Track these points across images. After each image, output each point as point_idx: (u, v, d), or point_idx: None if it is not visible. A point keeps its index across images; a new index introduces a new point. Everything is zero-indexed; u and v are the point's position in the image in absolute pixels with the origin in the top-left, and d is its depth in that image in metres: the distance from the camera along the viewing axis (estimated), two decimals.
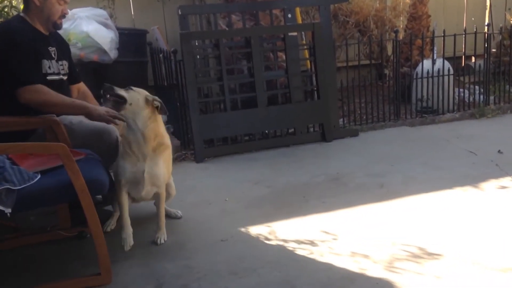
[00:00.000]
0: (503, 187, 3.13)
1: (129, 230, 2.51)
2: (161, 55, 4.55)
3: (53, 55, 2.74)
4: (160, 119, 2.51)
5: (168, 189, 2.72)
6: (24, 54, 2.57)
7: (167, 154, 2.57)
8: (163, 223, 2.64)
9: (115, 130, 2.73)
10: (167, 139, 2.56)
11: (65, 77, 2.83)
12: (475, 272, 2.16)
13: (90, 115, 2.56)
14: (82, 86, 3.02)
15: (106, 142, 2.67)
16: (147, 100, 2.43)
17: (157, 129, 2.47)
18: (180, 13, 4.25)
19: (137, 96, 2.42)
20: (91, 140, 2.64)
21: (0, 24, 2.75)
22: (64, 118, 2.63)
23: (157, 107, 2.46)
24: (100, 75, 4.29)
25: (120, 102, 2.39)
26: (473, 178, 3.28)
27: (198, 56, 4.38)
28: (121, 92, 2.40)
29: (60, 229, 2.63)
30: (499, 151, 3.80)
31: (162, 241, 2.59)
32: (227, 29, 4.61)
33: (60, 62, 2.79)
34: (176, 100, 4.25)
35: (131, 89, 2.46)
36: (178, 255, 2.45)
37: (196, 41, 4.31)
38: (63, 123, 2.55)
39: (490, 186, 3.15)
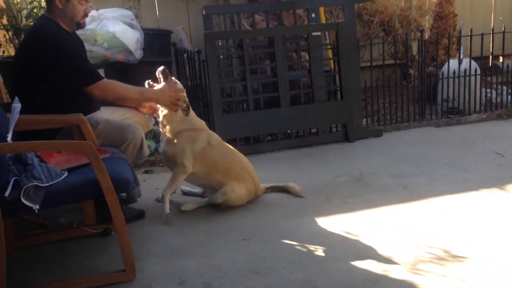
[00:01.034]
0: None
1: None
2: (185, 55, 4.59)
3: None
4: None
5: (225, 188, 2.93)
6: (74, 54, 2.66)
7: (183, 137, 2.88)
8: (163, 198, 2.86)
9: (140, 128, 2.77)
10: (183, 125, 2.90)
11: None
12: (501, 275, 2.12)
13: (159, 101, 2.82)
14: None
15: (131, 140, 2.72)
16: None
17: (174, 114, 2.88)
18: (204, 13, 4.28)
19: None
20: (117, 138, 2.69)
21: (36, 28, 2.80)
22: (90, 117, 2.69)
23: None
24: (125, 75, 4.36)
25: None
26: (500, 180, 3.21)
27: (221, 56, 4.40)
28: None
29: (86, 226, 2.69)
30: None
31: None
32: (250, 29, 4.63)
33: None
34: (200, 99, 4.29)
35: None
36: (200, 253, 2.47)
37: (220, 41, 4.33)
38: (89, 122, 2.60)
39: None
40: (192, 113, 2.95)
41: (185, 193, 3.23)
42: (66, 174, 2.20)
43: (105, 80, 2.70)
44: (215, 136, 3.03)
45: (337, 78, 4.48)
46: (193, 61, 4.36)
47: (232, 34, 4.54)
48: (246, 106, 4.25)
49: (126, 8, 4.82)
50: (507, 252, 2.31)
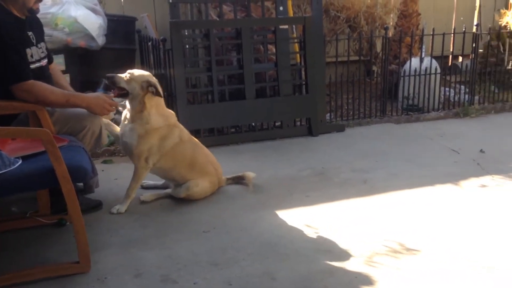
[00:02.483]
0: (483, 186, 3.18)
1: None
2: (149, 43, 4.51)
3: (32, 41, 2.64)
4: (155, 100, 2.78)
5: (189, 183, 2.91)
6: (11, 48, 2.47)
7: (155, 135, 2.77)
8: (127, 197, 2.82)
9: (99, 116, 2.70)
10: (158, 121, 2.79)
11: (45, 61, 2.73)
12: (451, 268, 2.20)
13: (90, 109, 2.63)
14: (54, 66, 2.96)
15: (90, 128, 2.65)
16: (142, 88, 2.73)
17: (148, 108, 2.75)
18: (170, 1, 4.22)
19: (134, 85, 2.72)
20: (75, 126, 2.62)
21: None
22: None
23: (152, 92, 2.75)
24: (87, 61, 4.25)
25: (122, 93, 2.74)
26: (454, 176, 3.32)
27: (187, 46, 4.35)
28: (123, 84, 2.72)
29: (40, 216, 2.61)
30: (481, 151, 3.86)
31: (115, 211, 2.77)
32: (218, 19, 4.59)
33: (39, 45, 2.69)
34: (164, 89, 4.22)
35: (132, 74, 2.72)
36: (159, 244, 2.44)
37: (186, 31, 4.28)
38: (46, 109, 2.52)
39: (471, 184, 3.20)
40: (163, 106, 2.87)
41: (145, 187, 3.15)
42: (20, 162, 2.13)
43: (31, 81, 2.50)
44: (185, 132, 2.99)
45: (303, 72, 4.51)
46: (158, 50, 4.29)
47: (199, 24, 4.49)
48: (211, 98, 4.22)
49: None
50: (458, 245, 2.40)
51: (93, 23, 4.19)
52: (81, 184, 2.76)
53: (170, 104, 4.17)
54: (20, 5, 2.57)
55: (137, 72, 2.79)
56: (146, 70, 4.75)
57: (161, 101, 2.83)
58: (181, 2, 4.51)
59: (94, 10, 4.30)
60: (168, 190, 3.03)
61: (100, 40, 4.23)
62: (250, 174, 3.22)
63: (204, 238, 2.51)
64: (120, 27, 4.62)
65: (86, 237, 2.16)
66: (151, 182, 3.17)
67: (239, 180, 3.24)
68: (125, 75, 2.75)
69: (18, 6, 2.58)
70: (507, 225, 2.62)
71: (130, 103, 2.77)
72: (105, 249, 2.39)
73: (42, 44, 2.75)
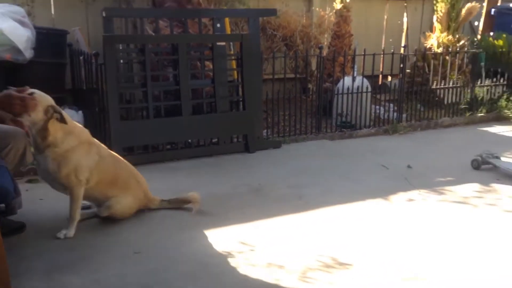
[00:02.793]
0: (411, 200, 3.32)
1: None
2: (81, 57, 4.37)
3: None
4: (58, 125, 2.56)
5: (110, 202, 2.78)
6: None
7: (72, 154, 2.61)
8: (72, 220, 2.67)
9: (24, 133, 2.57)
10: (68, 142, 2.61)
11: None
12: (382, 280, 2.26)
13: None
14: None
15: (13, 146, 2.51)
16: (46, 112, 2.49)
17: (53, 133, 2.54)
18: (104, 15, 4.11)
19: (39, 109, 2.46)
20: None
21: None
22: None
23: (57, 118, 2.53)
24: (14, 75, 4.05)
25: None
26: (384, 191, 3.45)
27: (121, 61, 4.25)
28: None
29: None
30: (408, 166, 4.04)
31: (62, 236, 2.62)
32: (154, 34, 4.53)
33: None
34: (96, 105, 4.10)
35: (35, 96, 2.46)
36: (85, 268, 2.33)
37: (120, 45, 4.19)
38: None
39: (399, 198, 3.34)
40: (71, 123, 2.65)
41: None
42: None
43: None
44: (103, 147, 2.86)
45: (240, 89, 4.54)
46: (90, 64, 4.17)
47: (134, 39, 4.41)
48: (146, 114, 4.14)
49: (18, 5, 4.48)
50: (388, 257, 2.48)
51: (21, 36, 4.01)
52: (3, 205, 2.58)
53: (102, 120, 4.05)
54: None
55: (40, 93, 2.51)
56: (77, 84, 4.64)
57: (66, 120, 2.59)
58: (115, 16, 4.42)
59: (21, 22, 4.12)
60: (94, 209, 2.90)
61: (28, 53, 4.05)
62: (196, 196, 3.02)
63: (134, 260, 2.42)
64: (50, 40, 4.46)
65: (6, 262, 2.02)
66: None
67: (180, 204, 3.05)
68: (26, 94, 2.44)
69: None
70: (433, 236, 2.74)
71: (31, 129, 2.52)
72: (27, 275, 2.25)
73: None
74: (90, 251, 2.52)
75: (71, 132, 2.62)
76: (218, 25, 4.57)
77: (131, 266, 2.36)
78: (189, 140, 4.30)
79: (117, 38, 4.13)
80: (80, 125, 2.80)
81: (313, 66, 5.82)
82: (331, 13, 6.20)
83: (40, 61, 4.22)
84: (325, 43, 6.14)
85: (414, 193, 3.44)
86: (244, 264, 2.40)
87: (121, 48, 4.21)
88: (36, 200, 3.12)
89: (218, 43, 4.40)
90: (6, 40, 3.94)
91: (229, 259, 2.45)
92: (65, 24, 4.86)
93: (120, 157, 2.97)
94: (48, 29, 4.61)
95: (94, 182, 2.72)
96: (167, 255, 2.47)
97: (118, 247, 2.56)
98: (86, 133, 2.75)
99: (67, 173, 2.61)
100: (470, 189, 3.54)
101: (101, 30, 4.29)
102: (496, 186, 3.61)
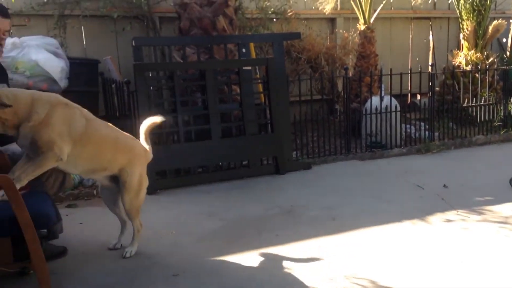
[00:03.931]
0: (449, 221, 3.24)
1: None
2: (113, 86, 4.48)
3: None
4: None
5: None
6: None
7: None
8: (25, 176, 2.28)
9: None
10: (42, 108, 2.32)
11: None
12: None
13: None
14: None
15: (52, 172, 2.57)
16: None
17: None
18: (134, 44, 4.23)
19: None
20: None
21: None
22: (6, 148, 2.52)
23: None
24: None
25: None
26: (420, 211, 3.38)
27: (151, 88, 4.34)
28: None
29: (1, 265, 2.46)
30: (444, 186, 3.96)
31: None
32: (181, 61, 4.63)
33: None
34: (129, 131, 4.16)
35: None
36: None
37: (150, 73, 4.29)
38: (6, 154, 2.43)
39: (437, 219, 3.26)
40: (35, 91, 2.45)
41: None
42: None
43: None
44: (85, 110, 2.58)
45: (268, 112, 4.57)
46: (121, 92, 4.27)
47: (163, 66, 4.51)
48: (177, 138, 4.20)
49: (51, 36, 4.66)
50: (428, 280, 2.42)
51: (55, 66, 4.17)
52: (45, 230, 2.63)
53: None
54: None
55: None
56: (111, 111, 4.74)
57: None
58: (144, 45, 4.54)
59: (55, 54, 4.28)
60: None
61: (63, 83, 4.20)
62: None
63: (173, 283, 2.43)
64: (83, 70, 4.60)
65: (50, 287, 2.05)
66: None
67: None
68: None
69: None
70: (475, 259, 2.66)
71: None
72: None
73: (4, 85, 2.69)
74: (129, 274, 2.54)
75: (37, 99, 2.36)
76: (244, 50, 4.64)
77: None
78: (220, 163, 4.33)
79: (147, 66, 4.23)
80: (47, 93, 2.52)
81: (339, 87, 5.83)
82: (355, 35, 6.24)
83: (74, 90, 4.35)
84: (350, 64, 6.15)
85: (452, 214, 3.35)
86: (281, 287, 2.37)
87: (150, 75, 4.31)
88: (76, 224, 3.17)
89: (244, 68, 4.46)
90: (41, 71, 4.10)
91: (265, 282, 2.42)
92: (97, 53, 5.01)
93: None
94: (81, 59, 4.77)
95: (92, 149, 2.51)
96: (204, 279, 2.47)
97: (157, 269, 2.57)
98: (57, 96, 2.50)
99: (48, 139, 2.32)
100: (510, 208, 3.43)
101: (131, 58, 4.41)
102: None
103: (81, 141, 2.43)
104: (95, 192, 3.70)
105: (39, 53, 4.17)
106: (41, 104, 2.34)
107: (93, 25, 5.12)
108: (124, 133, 2.79)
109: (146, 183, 2.78)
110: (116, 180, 2.69)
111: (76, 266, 2.61)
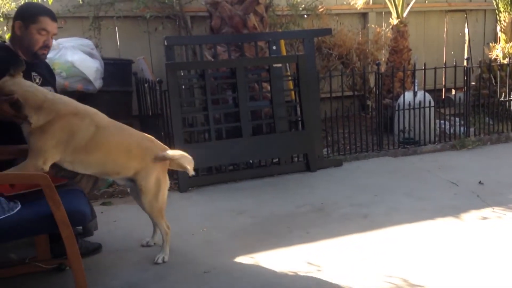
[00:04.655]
0: (484, 218, 3.16)
1: None
2: (146, 85, 4.57)
3: (37, 80, 2.71)
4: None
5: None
6: None
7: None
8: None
9: None
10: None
11: None
12: None
13: None
14: None
15: (84, 175, 2.63)
16: None
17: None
18: (166, 44, 4.29)
19: None
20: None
21: None
22: None
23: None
24: (85, 104, 4.29)
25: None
26: (455, 209, 3.31)
27: (183, 86, 4.40)
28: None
29: (39, 261, 2.57)
30: (480, 182, 3.85)
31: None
32: (212, 59, 4.67)
33: (47, 88, 2.72)
34: (161, 129, 4.25)
35: None
36: (160, 287, 2.40)
37: (182, 72, 4.35)
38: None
39: (472, 216, 3.18)
40: (54, 96, 2.47)
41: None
42: (19, 207, 2.12)
43: None
44: (101, 115, 2.60)
45: (298, 109, 4.56)
46: (154, 91, 4.35)
47: (194, 65, 4.55)
48: (208, 136, 4.25)
49: (86, 38, 4.78)
50: (461, 279, 2.37)
51: (90, 67, 4.26)
52: (80, 227, 2.72)
53: (167, 143, 4.17)
54: (25, 48, 2.67)
55: None
56: (144, 111, 4.84)
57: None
58: (176, 44, 4.59)
59: (90, 54, 4.39)
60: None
61: (98, 83, 4.30)
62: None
63: (204, 280, 2.46)
64: (117, 70, 4.69)
65: (86, 282, 2.13)
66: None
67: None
68: None
69: (23, 49, 2.68)
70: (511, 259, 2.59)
71: None
72: None
73: (50, 88, 2.76)
74: (162, 270, 2.59)
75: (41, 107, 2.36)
76: (274, 47, 4.63)
77: (202, 286, 2.40)
78: (251, 161, 4.35)
79: (178, 65, 4.29)
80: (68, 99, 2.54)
81: (371, 82, 5.74)
82: (387, 29, 6.13)
83: (108, 90, 4.46)
84: (383, 59, 6.05)
85: (487, 211, 3.27)
86: (313, 285, 2.37)
87: (182, 74, 4.36)
88: (111, 221, 3.26)
89: (275, 65, 4.45)
90: (77, 72, 4.20)
91: (297, 280, 2.43)
92: (130, 54, 5.12)
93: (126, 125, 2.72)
94: (115, 59, 4.88)
95: (101, 154, 2.50)
96: (235, 276, 2.50)
97: (188, 266, 2.61)
98: (72, 102, 2.51)
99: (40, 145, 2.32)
100: None
101: (163, 58, 4.48)
102: None
103: (86, 148, 2.43)
104: (128, 190, 3.78)
105: (74, 54, 4.28)
106: (46, 112, 2.36)
107: (126, 26, 5.23)
108: (143, 135, 2.73)
109: (166, 185, 2.72)
110: (134, 181, 2.64)
111: (111, 263, 2.69)
